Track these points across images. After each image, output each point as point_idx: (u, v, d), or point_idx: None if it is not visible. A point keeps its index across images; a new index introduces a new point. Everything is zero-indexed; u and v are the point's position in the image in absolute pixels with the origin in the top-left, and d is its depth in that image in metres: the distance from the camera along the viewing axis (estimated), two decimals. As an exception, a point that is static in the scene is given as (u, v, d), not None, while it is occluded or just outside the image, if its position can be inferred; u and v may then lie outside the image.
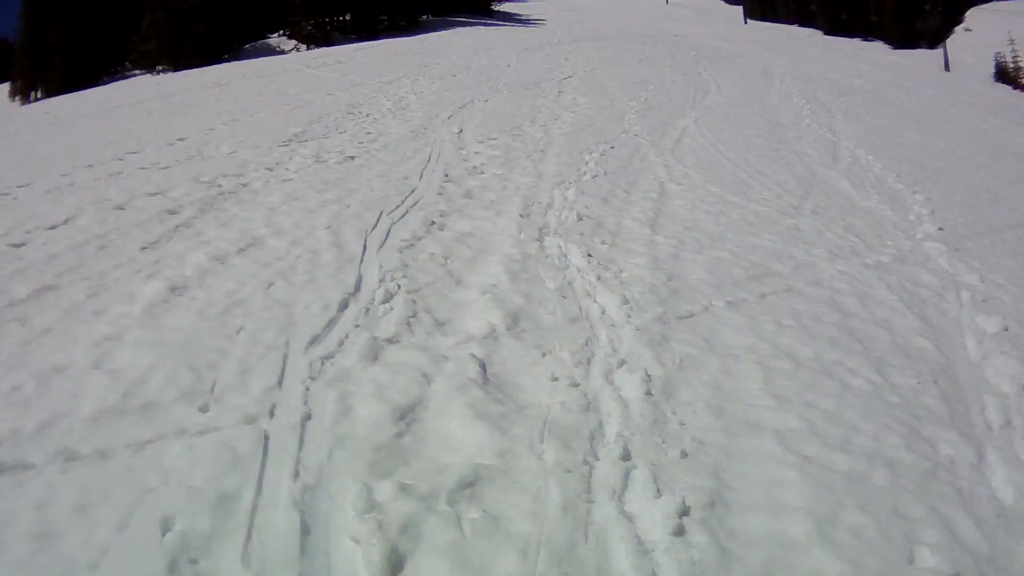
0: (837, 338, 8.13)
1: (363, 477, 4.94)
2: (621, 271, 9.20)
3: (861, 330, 8.43)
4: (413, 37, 51.91)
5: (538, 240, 10.15)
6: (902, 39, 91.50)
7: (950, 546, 5.20)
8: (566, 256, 9.62)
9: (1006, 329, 9.19)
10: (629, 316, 7.92)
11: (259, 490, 4.85)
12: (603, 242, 10.28)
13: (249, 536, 4.46)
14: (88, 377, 6.17)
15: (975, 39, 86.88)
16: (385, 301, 7.67)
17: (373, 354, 6.56)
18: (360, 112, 20.10)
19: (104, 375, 6.20)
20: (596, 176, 14.39)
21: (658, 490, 5.19)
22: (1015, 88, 70.09)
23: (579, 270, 9.15)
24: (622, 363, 6.91)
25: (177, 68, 46.24)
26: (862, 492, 5.62)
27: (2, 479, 4.92)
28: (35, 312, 7.45)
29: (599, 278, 8.86)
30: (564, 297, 8.29)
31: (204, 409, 5.74)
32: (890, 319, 8.88)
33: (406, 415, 5.71)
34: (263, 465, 5.10)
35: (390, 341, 6.83)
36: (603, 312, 8.02)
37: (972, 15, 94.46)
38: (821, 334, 8.17)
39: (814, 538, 5.01)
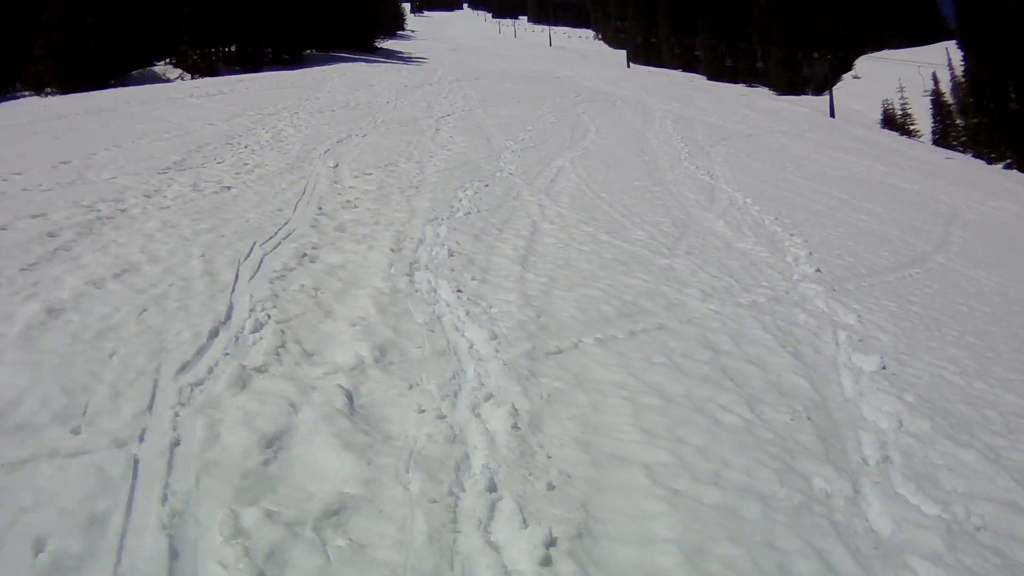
0: (709, 375, 8.27)
1: (230, 503, 4.95)
2: (491, 307, 9.29)
3: (733, 368, 8.58)
4: (296, 70, 51.70)
5: (408, 275, 10.20)
6: (788, 86, 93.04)
7: None
8: (436, 291, 9.69)
9: (884, 368, 9.42)
10: (497, 351, 7.98)
11: (129, 513, 4.84)
12: (473, 278, 10.37)
13: (119, 559, 4.45)
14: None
15: (863, 87, 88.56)
16: (255, 331, 7.68)
17: (242, 382, 6.56)
18: (239, 143, 20.00)
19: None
20: (469, 213, 14.50)
21: (524, 521, 5.24)
22: (901, 134, 71.69)
23: (448, 305, 9.22)
24: (489, 396, 6.97)
25: (66, 91, 45.58)
26: (733, 525, 5.71)
27: None
28: None
29: (468, 313, 8.94)
30: (432, 331, 8.34)
31: (76, 431, 5.71)
32: (764, 357, 9.05)
33: (273, 443, 5.72)
34: (133, 488, 5.08)
35: (259, 370, 6.84)
36: (471, 346, 8.08)
37: (861, 63, 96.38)
38: (692, 371, 8.30)
39: (684, 570, 5.09)
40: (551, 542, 5.07)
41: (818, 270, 13.82)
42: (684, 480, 6.21)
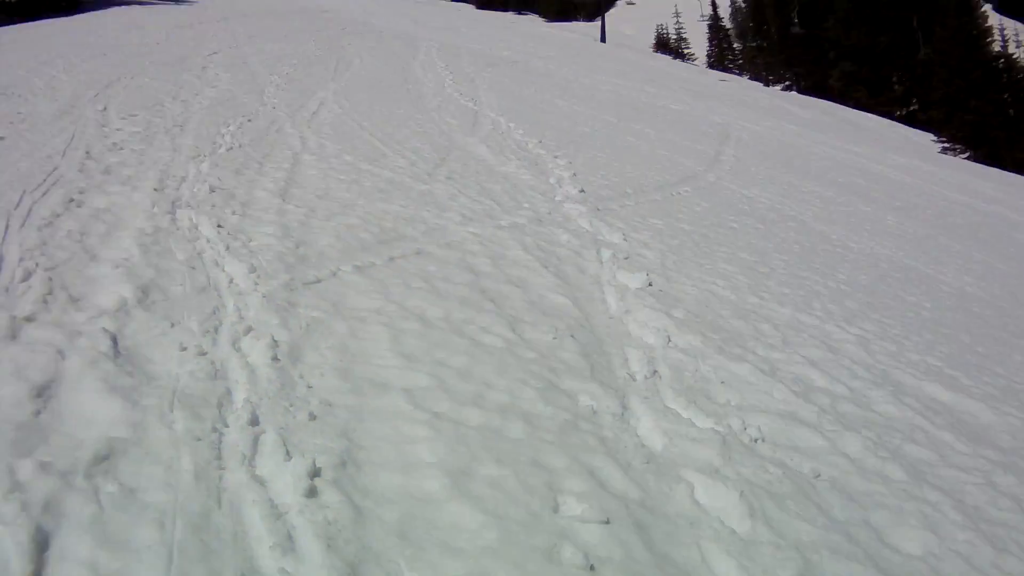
0: (468, 297, 8.61)
1: (5, 458, 4.99)
2: (250, 240, 9.56)
3: (494, 289, 8.92)
4: (71, 17, 50.21)
5: (170, 213, 10.38)
6: (558, 12, 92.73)
7: (597, 493, 5.62)
8: (197, 228, 9.90)
9: (650, 284, 9.87)
10: (256, 284, 8.28)
11: None
12: (234, 213, 10.63)
13: None
14: None
15: (638, 12, 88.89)
16: (24, 279, 7.73)
17: (12, 333, 6.65)
18: (12, 93, 19.51)
19: None
20: (231, 148, 14.65)
21: (288, 453, 5.47)
22: (675, 57, 72.57)
23: (209, 241, 9.45)
24: (249, 330, 7.23)
25: None
26: (498, 445, 6.01)
27: None
28: None
29: (228, 248, 9.19)
30: (193, 268, 8.55)
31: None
32: (525, 278, 9.41)
33: (43, 392, 5.81)
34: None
35: (28, 320, 6.93)
36: (231, 281, 8.34)
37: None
38: (451, 294, 8.65)
39: (450, 492, 5.35)
40: (315, 472, 5.26)
41: (582, 191, 14.25)
42: (445, 403, 6.46)
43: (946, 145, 54.15)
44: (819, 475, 6.54)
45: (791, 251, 13.35)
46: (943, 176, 29.38)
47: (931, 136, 55.81)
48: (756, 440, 6.84)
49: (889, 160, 30.02)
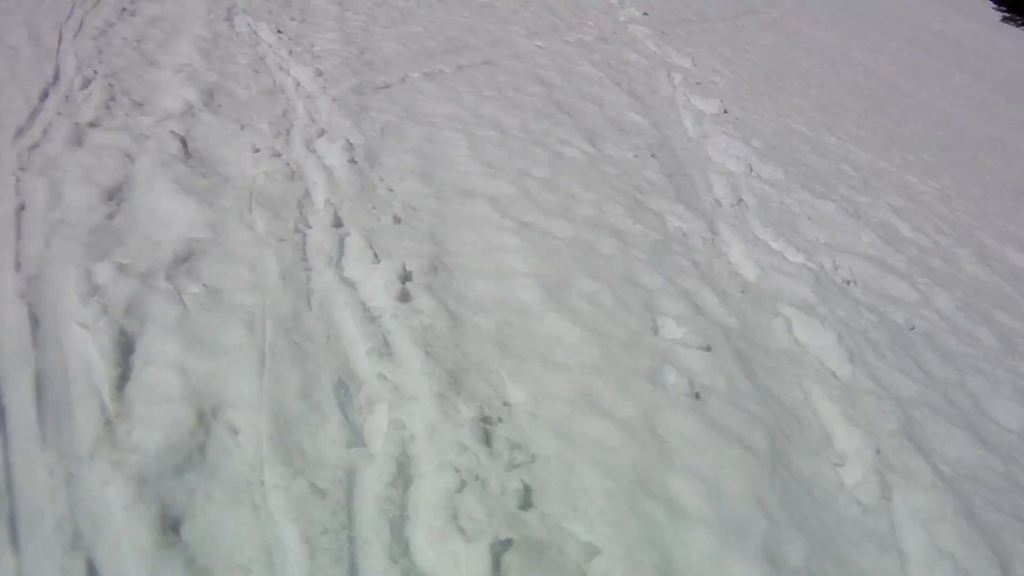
0: (543, 109, 8.41)
1: (82, 261, 4.86)
2: (312, 46, 9.31)
3: (568, 103, 8.72)
4: None
5: (227, 20, 10.08)
6: None
7: (695, 318, 5.50)
8: (256, 33, 9.65)
9: (725, 111, 9.62)
10: (324, 87, 8.04)
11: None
12: (292, 19, 10.34)
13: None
14: None
15: None
16: (84, 87, 7.53)
17: (77, 139, 6.46)
18: None
19: None
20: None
21: (375, 256, 5.34)
22: None
23: (270, 46, 9.20)
24: (322, 132, 7.05)
25: None
26: (590, 260, 5.86)
27: None
28: None
29: (291, 53, 8.95)
30: (257, 72, 8.33)
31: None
32: (598, 94, 9.19)
33: (115, 196, 5.67)
34: (-15, 257, 5.00)
35: (92, 125, 6.73)
36: (298, 85, 8.13)
37: None
38: (526, 105, 8.44)
39: (546, 304, 5.22)
40: (406, 276, 5.15)
41: (645, 13, 13.93)
42: (532, 213, 6.31)
43: (1007, 15, 52.86)
44: (913, 327, 6.46)
45: (863, 96, 13.10)
46: (1006, 45, 28.83)
47: (991, 4, 54.56)
48: (848, 283, 6.76)
49: (953, 21, 29.45)
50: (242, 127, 7.00)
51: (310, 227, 5.62)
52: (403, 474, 3.79)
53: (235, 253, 5.18)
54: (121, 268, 4.81)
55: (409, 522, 3.58)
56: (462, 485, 3.73)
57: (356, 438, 3.99)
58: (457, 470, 3.79)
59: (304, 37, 9.60)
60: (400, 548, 3.43)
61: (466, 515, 3.60)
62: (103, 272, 4.75)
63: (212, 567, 3.20)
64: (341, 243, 5.48)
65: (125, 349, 4.19)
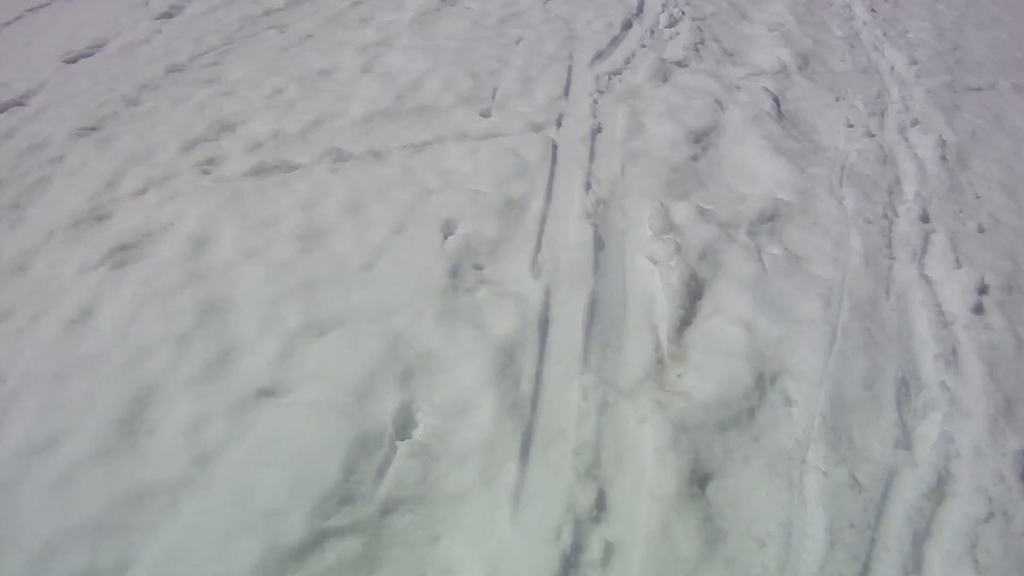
0: None
1: (659, 197, 4.77)
2: (906, 32, 8.82)
3: None
4: None
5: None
6: None
7: None
8: (850, 7, 9.29)
9: None
10: (918, 77, 7.59)
11: (548, 199, 4.70)
12: (886, 0, 9.88)
13: (539, 246, 4.31)
14: (357, 80, 6.01)
15: None
16: (670, 25, 7.41)
17: (662, 75, 6.32)
18: None
19: (374, 78, 6.04)
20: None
21: (957, 261, 4.96)
22: None
23: (864, 23, 8.81)
24: (915, 122, 6.64)
25: None
26: None
27: (265, 179, 4.76)
28: (294, 20, 7.28)
29: (885, 35, 8.53)
30: (852, 47, 7.98)
31: (486, 115, 5.59)
32: None
33: (701, 139, 5.51)
34: (552, 175, 4.94)
35: (679, 64, 6.59)
36: (892, 68, 7.71)
37: None
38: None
39: None
40: (983, 288, 4.76)
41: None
42: None
43: None
44: None
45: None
46: None
47: None
48: None
49: None
50: (837, 99, 6.70)
51: (897, 216, 5.30)
52: (940, 489, 3.54)
53: (820, 224, 4.95)
54: (702, 212, 4.71)
55: (930, 540, 3.34)
56: (989, 516, 3.45)
57: (904, 440, 3.74)
58: (990, 499, 3.51)
59: (898, 21, 9.14)
60: (914, 563, 3.22)
61: (984, 547, 3.34)
62: (682, 212, 4.68)
63: (728, 532, 3.12)
64: (926, 239, 5.13)
65: (693, 293, 4.13)
